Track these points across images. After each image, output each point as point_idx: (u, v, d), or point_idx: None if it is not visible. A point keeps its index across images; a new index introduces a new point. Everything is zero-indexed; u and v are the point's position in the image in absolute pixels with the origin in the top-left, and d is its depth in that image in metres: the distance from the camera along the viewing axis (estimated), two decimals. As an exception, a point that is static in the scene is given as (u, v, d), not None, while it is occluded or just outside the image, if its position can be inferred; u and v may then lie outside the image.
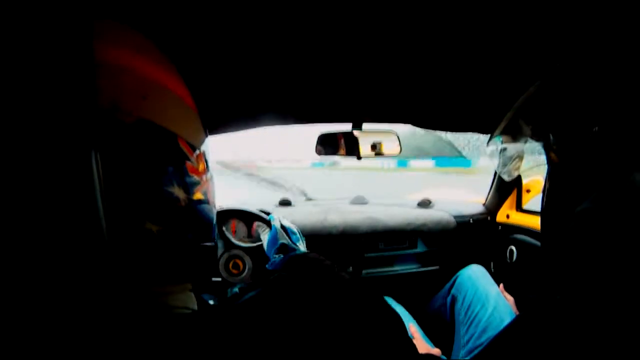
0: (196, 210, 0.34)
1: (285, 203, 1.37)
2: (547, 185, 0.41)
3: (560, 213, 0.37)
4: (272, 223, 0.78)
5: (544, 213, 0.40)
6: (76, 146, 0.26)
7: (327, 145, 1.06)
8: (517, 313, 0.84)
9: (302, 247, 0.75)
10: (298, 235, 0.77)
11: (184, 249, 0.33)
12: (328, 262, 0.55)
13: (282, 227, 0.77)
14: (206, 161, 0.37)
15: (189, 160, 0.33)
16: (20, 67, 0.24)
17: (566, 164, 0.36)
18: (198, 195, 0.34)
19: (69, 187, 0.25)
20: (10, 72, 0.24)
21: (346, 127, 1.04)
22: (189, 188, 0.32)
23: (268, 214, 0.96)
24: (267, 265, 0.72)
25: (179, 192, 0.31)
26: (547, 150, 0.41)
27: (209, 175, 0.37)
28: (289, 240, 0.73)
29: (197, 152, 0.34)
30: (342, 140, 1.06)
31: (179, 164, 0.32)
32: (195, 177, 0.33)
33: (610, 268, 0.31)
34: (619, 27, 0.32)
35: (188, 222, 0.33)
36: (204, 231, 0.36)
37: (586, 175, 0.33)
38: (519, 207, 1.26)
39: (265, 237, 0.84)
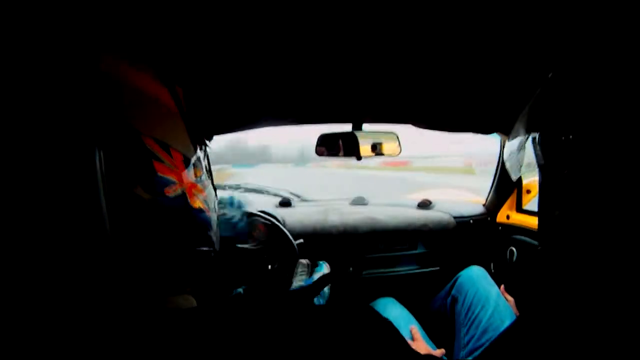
0: (170, 211, 0.32)
1: (285, 204, 1.37)
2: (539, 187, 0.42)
3: (551, 215, 0.37)
4: (314, 274, 0.84)
5: (539, 215, 0.41)
6: (78, 145, 0.26)
7: (328, 145, 1.06)
8: (518, 314, 0.84)
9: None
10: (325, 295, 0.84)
11: (160, 253, 0.32)
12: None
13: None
14: (188, 159, 0.35)
15: (158, 159, 0.31)
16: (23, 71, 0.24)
17: (547, 168, 0.37)
18: (170, 195, 0.32)
19: (72, 184, 0.25)
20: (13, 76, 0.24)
21: (346, 127, 1.04)
22: (157, 188, 0.31)
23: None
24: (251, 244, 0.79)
25: (142, 193, 0.30)
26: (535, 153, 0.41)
27: (191, 173, 0.35)
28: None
29: (172, 150, 0.32)
30: (343, 141, 1.06)
31: (145, 164, 0.30)
32: (168, 177, 0.32)
33: (592, 269, 0.31)
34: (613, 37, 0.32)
35: (159, 223, 0.31)
36: (185, 233, 0.34)
37: (565, 179, 0.34)
38: (519, 208, 1.26)
39: (300, 282, 0.87)
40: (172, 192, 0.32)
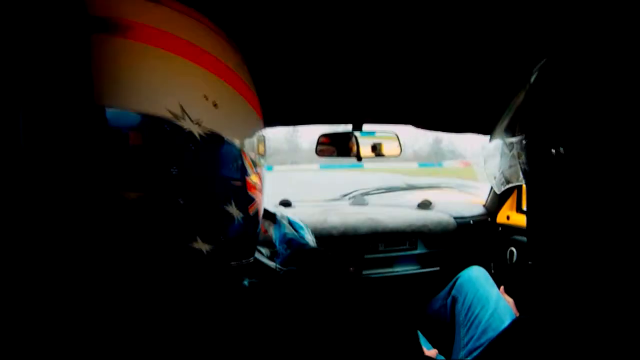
0: (247, 228, 0.31)
1: (285, 204, 1.37)
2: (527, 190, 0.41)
3: (537, 212, 0.36)
4: (277, 218, 0.77)
5: (527, 212, 0.40)
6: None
7: (328, 145, 1.06)
8: (517, 314, 0.84)
9: (309, 238, 0.74)
10: (305, 229, 0.76)
11: (229, 267, 0.31)
12: (335, 258, 0.55)
13: (289, 221, 0.76)
14: (262, 174, 0.33)
15: (249, 176, 0.30)
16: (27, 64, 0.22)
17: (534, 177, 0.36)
18: (252, 212, 0.31)
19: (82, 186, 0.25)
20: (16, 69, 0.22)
21: (347, 128, 1.04)
22: (245, 206, 0.30)
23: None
24: (275, 260, 0.72)
25: (234, 211, 0.29)
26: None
27: (263, 188, 0.34)
28: (295, 234, 0.72)
29: (257, 165, 0.31)
30: (343, 141, 1.06)
31: (240, 182, 0.29)
32: (251, 194, 0.31)
33: (583, 267, 0.31)
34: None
35: (238, 241, 0.31)
36: (249, 248, 0.34)
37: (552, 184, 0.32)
38: (519, 209, 1.26)
39: (271, 231, 0.84)
40: (252, 208, 0.31)
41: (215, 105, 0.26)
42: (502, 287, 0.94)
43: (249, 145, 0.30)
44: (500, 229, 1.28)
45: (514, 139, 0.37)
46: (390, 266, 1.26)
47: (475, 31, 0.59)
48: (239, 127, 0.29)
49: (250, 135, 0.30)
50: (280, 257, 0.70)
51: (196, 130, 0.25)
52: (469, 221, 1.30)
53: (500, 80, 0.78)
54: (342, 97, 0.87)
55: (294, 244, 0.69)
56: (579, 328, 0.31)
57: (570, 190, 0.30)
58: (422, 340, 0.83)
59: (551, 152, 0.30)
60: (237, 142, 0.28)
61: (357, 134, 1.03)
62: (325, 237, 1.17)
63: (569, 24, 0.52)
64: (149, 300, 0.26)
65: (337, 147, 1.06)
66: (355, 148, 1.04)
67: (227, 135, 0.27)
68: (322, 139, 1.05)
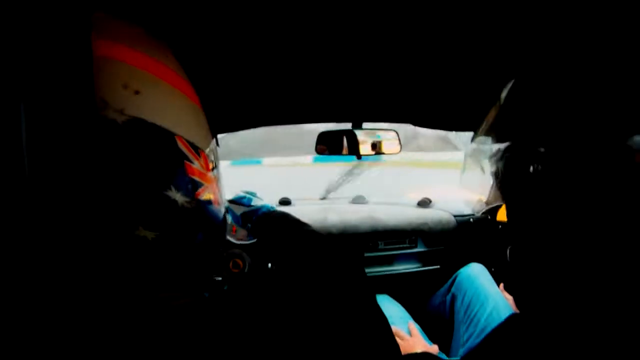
0: (199, 213, 0.32)
1: (284, 202, 1.37)
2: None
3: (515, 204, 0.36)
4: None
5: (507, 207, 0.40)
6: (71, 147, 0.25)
7: (328, 144, 1.06)
8: (517, 312, 0.84)
9: (259, 202, 0.74)
10: (249, 195, 0.76)
11: (187, 254, 0.32)
12: (288, 216, 0.55)
13: (234, 201, 0.76)
14: (211, 159, 0.35)
15: (189, 160, 0.31)
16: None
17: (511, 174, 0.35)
18: (201, 198, 0.32)
19: (62, 187, 0.25)
20: None
21: (346, 126, 1.04)
22: (189, 191, 0.30)
23: None
24: (248, 239, 0.73)
25: (176, 196, 0.29)
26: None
27: (213, 174, 0.35)
28: (245, 208, 0.73)
29: (199, 150, 0.32)
30: (343, 139, 1.06)
31: (177, 166, 0.30)
32: (197, 178, 0.31)
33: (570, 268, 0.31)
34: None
35: (190, 226, 0.31)
36: (210, 234, 0.34)
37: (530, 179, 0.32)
38: (519, 207, 1.26)
39: (228, 220, 0.84)
40: (201, 194, 0.32)
41: (137, 92, 0.27)
42: (501, 285, 0.94)
43: (185, 129, 0.30)
44: (500, 226, 1.28)
45: (492, 152, 0.37)
46: (390, 264, 1.26)
47: (477, 28, 0.59)
48: (167, 112, 0.30)
49: (184, 119, 0.31)
50: (248, 234, 0.71)
51: (119, 118, 0.26)
52: (469, 219, 1.31)
53: (501, 78, 0.78)
54: (341, 95, 0.87)
55: (250, 216, 0.70)
56: (572, 326, 0.31)
57: (547, 203, 0.30)
58: (423, 336, 0.83)
59: (529, 169, 0.31)
60: (166, 125, 0.29)
61: (357, 131, 1.03)
62: (325, 236, 1.17)
63: (565, 26, 0.52)
64: (107, 295, 0.27)
65: (337, 145, 1.06)
66: (355, 146, 1.04)
67: (152, 120, 0.28)
68: (322, 137, 1.05)
